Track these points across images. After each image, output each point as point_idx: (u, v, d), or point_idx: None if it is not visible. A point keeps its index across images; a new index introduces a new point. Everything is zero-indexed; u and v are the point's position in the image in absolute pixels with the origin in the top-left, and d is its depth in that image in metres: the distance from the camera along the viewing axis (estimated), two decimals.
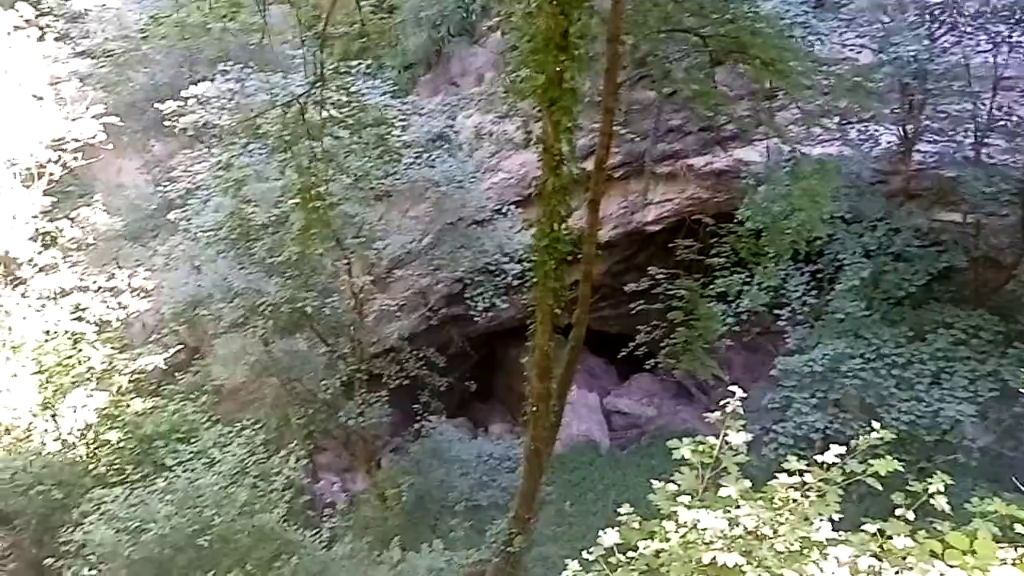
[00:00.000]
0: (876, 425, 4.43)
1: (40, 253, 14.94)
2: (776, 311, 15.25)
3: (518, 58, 10.87)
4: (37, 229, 15.48)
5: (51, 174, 16.01)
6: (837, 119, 14.75)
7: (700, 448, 4.08)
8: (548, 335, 10.89)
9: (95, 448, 11.98)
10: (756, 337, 16.93)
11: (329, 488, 20.28)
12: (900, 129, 14.74)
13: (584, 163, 12.72)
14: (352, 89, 14.39)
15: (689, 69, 14.58)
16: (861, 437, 4.30)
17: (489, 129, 20.65)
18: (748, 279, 13.92)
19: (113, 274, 14.42)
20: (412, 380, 17.21)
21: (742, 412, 4.25)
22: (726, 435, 4.09)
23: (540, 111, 10.65)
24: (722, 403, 4.31)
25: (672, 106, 19.19)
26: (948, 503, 3.89)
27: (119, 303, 13.59)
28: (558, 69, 10.06)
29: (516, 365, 15.25)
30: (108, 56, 19.02)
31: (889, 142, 14.92)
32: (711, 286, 14.07)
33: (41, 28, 17.69)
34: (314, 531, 11.17)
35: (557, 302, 10.83)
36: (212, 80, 15.60)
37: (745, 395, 4.16)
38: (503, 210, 18.85)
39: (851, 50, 14.50)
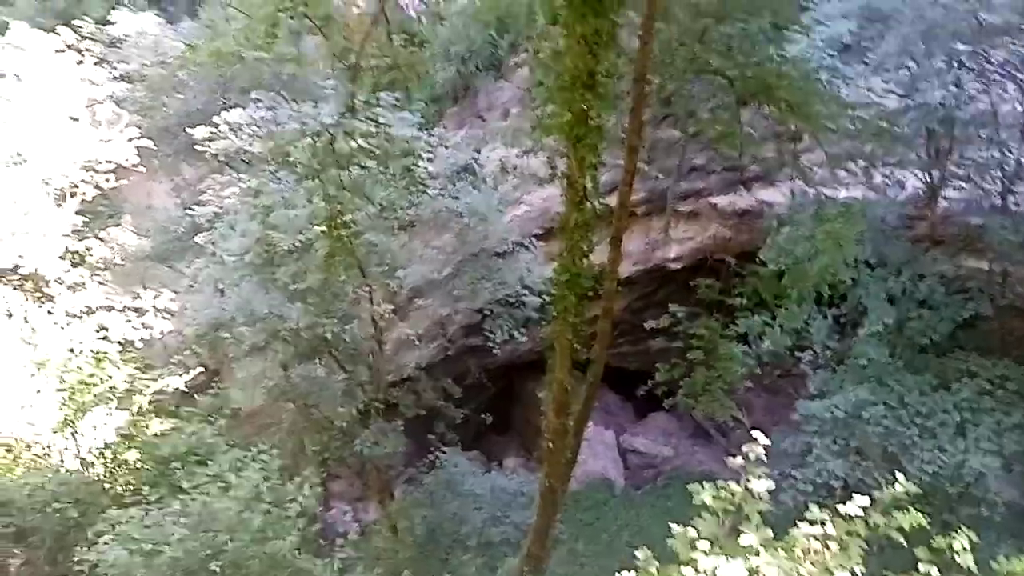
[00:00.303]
0: (900, 476, 4.36)
1: (69, 271, 15.26)
2: (798, 354, 15.13)
3: (545, 95, 11.01)
4: (67, 248, 15.82)
5: (83, 194, 16.40)
6: (863, 163, 14.73)
7: (721, 494, 4.03)
8: (566, 370, 10.85)
9: (113, 468, 12.05)
10: (777, 380, 16.78)
11: (341, 517, 20.17)
12: (926, 175, 14.69)
13: (607, 198, 12.79)
14: (381, 120, 14.61)
15: (714, 109, 14.69)
16: (885, 489, 4.23)
17: (513, 163, 20.83)
18: (770, 321, 13.84)
19: (139, 294, 14.65)
20: (428, 410, 17.18)
21: (764, 458, 4.21)
22: (748, 481, 4.04)
23: (565, 147, 10.74)
24: (743, 448, 4.27)
25: (696, 145, 19.27)
26: (973, 560, 3.82)
27: (143, 323, 13.77)
28: (584, 107, 10.16)
29: (533, 399, 15.22)
30: (144, 81, 19.48)
31: (915, 187, 14.87)
32: (732, 326, 13.99)
33: (80, 52, 18.26)
34: (325, 560, 11.11)
35: (576, 337, 10.81)
36: (244, 108, 15.94)
37: (768, 442, 4.12)
38: (525, 243, 18.93)
39: (877, 95, 14.53)
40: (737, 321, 13.95)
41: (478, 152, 21.47)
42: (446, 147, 19.23)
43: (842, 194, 14.75)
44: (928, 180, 14.69)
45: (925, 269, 14.01)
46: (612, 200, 12.20)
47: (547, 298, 14.69)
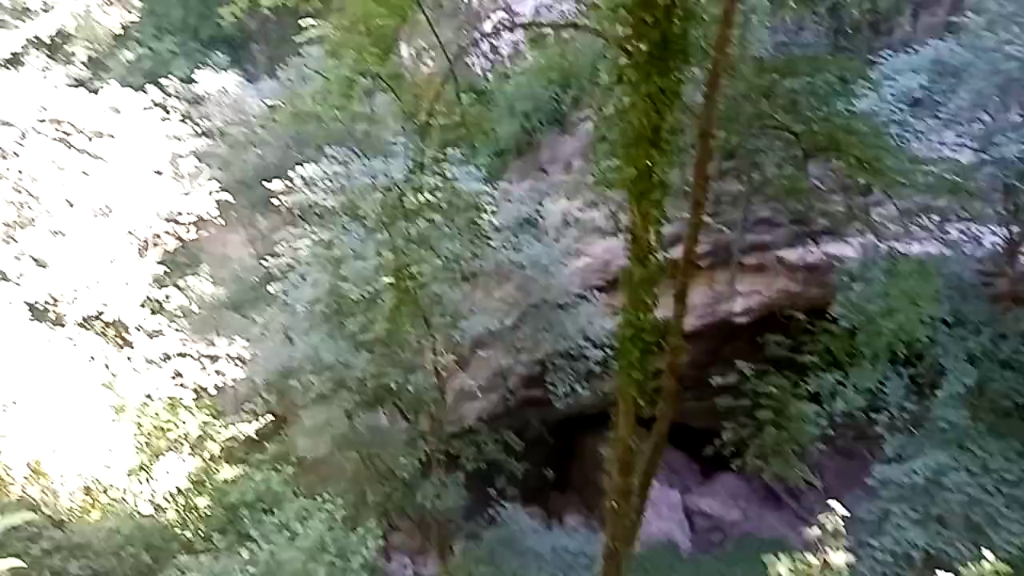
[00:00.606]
0: (985, 551, 4.15)
1: (148, 319, 15.93)
2: (873, 415, 14.53)
3: (608, 149, 11.11)
4: (148, 296, 16.55)
5: (165, 245, 17.22)
6: (936, 218, 14.33)
7: (798, 566, 3.90)
8: (630, 428, 10.67)
9: (184, 513, 12.33)
10: (851, 442, 16.12)
11: (401, 570, 20.05)
12: (1004, 230, 14.18)
13: (670, 251, 12.72)
14: (447, 174, 15.00)
15: (780, 163, 14.58)
16: (971, 565, 4.04)
17: (576, 215, 20.97)
18: (843, 380, 13.39)
19: (213, 342, 15.17)
20: (489, 464, 17.10)
21: (843, 529, 4.07)
22: (826, 554, 3.91)
23: (629, 201, 10.78)
24: (819, 516, 4.14)
25: (761, 197, 19.08)
26: None
27: (216, 370, 14.22)
28: (648, 163, 10.21)
29: (595, 455, 15.00)
30: (224, 137, 20.47)
31: (993, 243, 14.35)
32: (803, 385, 13.59)
33: (166, 110, 19.38)
34: None
35: (640, 394, 10.66)
36: (317, 163, 16.57)
37: (847, 513, 3.99)
38: (586, 295, 18.91)
39: (951, 149, 14.20)
40: (808, 379, 13.54)
41: (541, 204, 21.72)
42: (510, 200, 19.50)
43: (915, 249, 14.34)
44: (1007, 236, 14.17)
45: (1007, 328, 13.41)
46: (675, 252, 12.14)
47: (609, 352, 14.60)
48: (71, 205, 15.25)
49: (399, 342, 15.60)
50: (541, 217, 21.20)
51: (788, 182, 13.84)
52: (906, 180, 12.57)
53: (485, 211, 16.06)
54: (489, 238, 16.37)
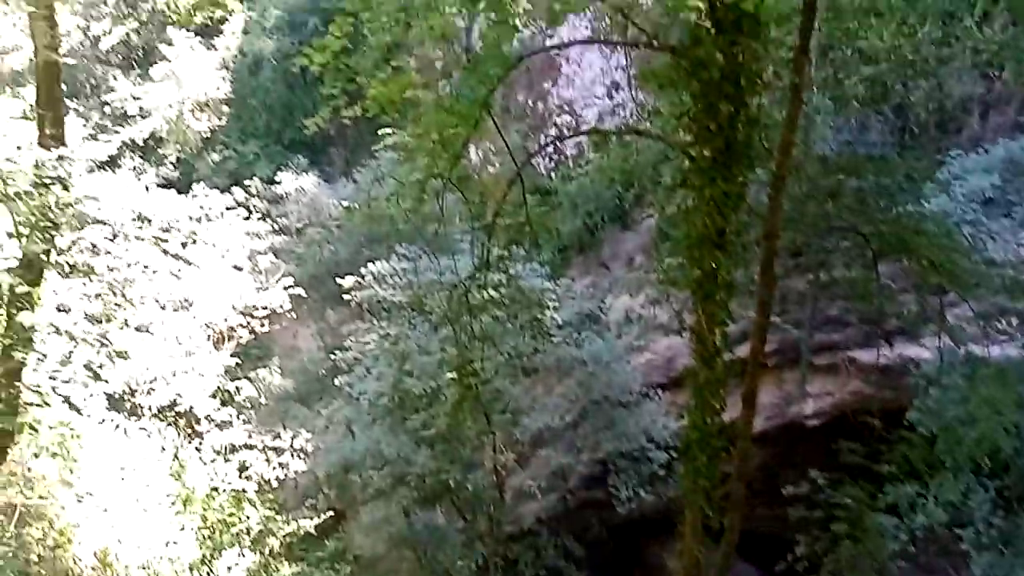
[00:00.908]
0: None
1: (218, 410, 16.38)
2: (957, 531, 13.61)
3: (671, 248, 11.18)
4: (219, 387, 17.09)
5: (240, 338, 17.87)
6: (1016, 321, 13.77)
7: None
8: (698, 538, 10.28)
9: None
10: (934, 558, 15.07)
11: None
12: None
13: (736, 349, 12.51)
14: (511, 271, 15.31)
15: (848, 263, 14.37)
16: None
17: (638, 312, 20.91)
18: (923, 491, 12.68)
19: (279, 434, 15.44)
20: (548, 570, 16.58)
21: None
22: None
23: (693, 301, 10.74)
24: None
25: (829, 295, 18.72)
26: None
27: (280, 463, 14.41)
28: (713, 264, 10.22)
29: (659, 563, 14.41)
30: (301, 234, 21.42)
31: None
32: (880, 496, 12.90)
33: (248, 209, 20.50)
34: None
35: (707, 501, 10.31)
36: (387, 259, 17.13)
37: None
38: (649, 393, 18.62)
39: None
40: (886, 490, 12.86)
41: (603, 301, 21.78)
42: (572, 297, 19.64)
43: (995, 352, 13.74)
44: None
45: None
46: (741, 351, 11.93)
47: (674, 454, 14.22)
48: (156, 300, 16.09)
49: (460, 438, 15.58)
50: (603, 313, 21.23)
51: (857, 283, 13.60)
52: (981, 282, 12.23)
53: (547, 307, 16.22)
54: (551, 334, 16.45)
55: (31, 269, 10.19)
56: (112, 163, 22.84)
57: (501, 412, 16.26)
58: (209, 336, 17.56)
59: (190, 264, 15.54)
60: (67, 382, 10.55)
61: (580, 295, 21.40)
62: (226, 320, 17.51)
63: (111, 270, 13.31)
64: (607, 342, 19.28)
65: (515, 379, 16.88)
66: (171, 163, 26.31)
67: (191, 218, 18.07)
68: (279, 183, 22.62)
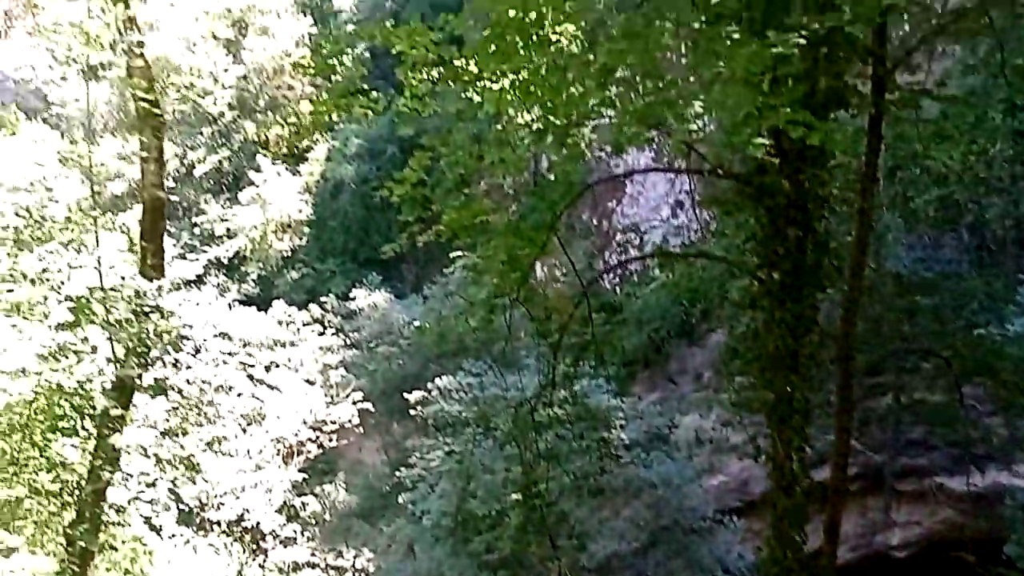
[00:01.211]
0: None
1: (283, 526, 16.38)
2: None
3: (740, 366, 10.96)
4: (284, 502, 17.15)
5: (308, 452, 18.06)
6: None
7: None
8: None
9: None
10: None
11: None
12: None
13: (814, 471, 11.94)
14: (576, 388, 15.19)
15: (930, 384, 13.83)
16: None
17: (710, 434, 20.34)
18: None
19: (341, 552, 15.27)
20: None
21: None
22: None
23: (768, 426, 10.42)
24: None
25: (911, 416, 17.87)
26: None
27: None
28: (788, 388, 9.97)
29: None
30: (371, 349, 21.88)
31: None
32: None
33: (323, 324, 21.15)
34: None
35: None
36: (453, 375, 17.27)
37: None
38: (723, 519, 17.77)
39: None
40: None
41: (671, 418, 21.25)
42: (640, 417, 19.30)
43: None
44: None
45: None
46: (818, 474, 11.38)
47: None
48: (231, 412, 16.54)
49: (524, 563, 15.08)
50: (672, 432, 20.69)
51: (940, 406, 13.02)
52: None
53: (615, 426, 15.94)
54: (619, 454, 16.08)
55: (123, 392, 10.63)
56: (198, 280, 24.06)
57: (567, 536, 15.73)
58: (279, 450, 17.80)
59: (265, 383, 16.01)
60: (150, 502, 10.78)
61: (647, 412, 20.97)
62: (296, 435, 17.78)
63: (190, 383, 13.83)
64: (678, 463, 18.66)
65: (581, 501, 16.40)
66: (253, 280, 27.51)
67: (269, 336, 18.74)
68: (353, 299, 23.34)
